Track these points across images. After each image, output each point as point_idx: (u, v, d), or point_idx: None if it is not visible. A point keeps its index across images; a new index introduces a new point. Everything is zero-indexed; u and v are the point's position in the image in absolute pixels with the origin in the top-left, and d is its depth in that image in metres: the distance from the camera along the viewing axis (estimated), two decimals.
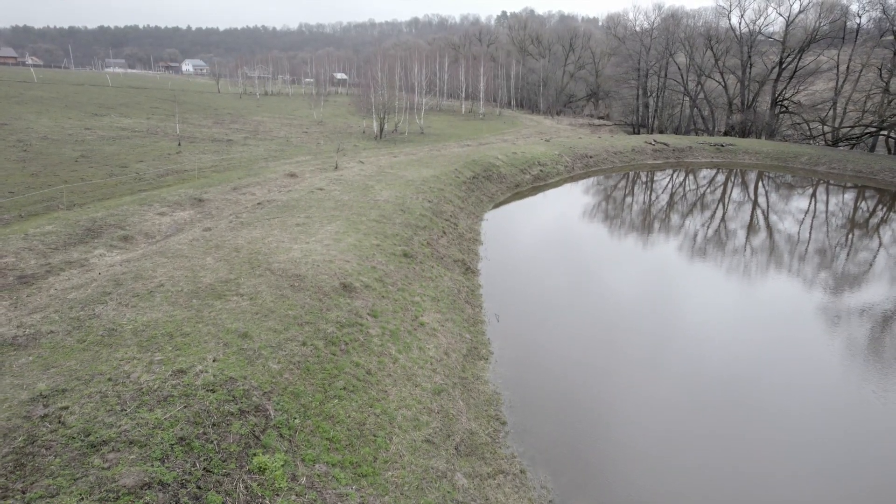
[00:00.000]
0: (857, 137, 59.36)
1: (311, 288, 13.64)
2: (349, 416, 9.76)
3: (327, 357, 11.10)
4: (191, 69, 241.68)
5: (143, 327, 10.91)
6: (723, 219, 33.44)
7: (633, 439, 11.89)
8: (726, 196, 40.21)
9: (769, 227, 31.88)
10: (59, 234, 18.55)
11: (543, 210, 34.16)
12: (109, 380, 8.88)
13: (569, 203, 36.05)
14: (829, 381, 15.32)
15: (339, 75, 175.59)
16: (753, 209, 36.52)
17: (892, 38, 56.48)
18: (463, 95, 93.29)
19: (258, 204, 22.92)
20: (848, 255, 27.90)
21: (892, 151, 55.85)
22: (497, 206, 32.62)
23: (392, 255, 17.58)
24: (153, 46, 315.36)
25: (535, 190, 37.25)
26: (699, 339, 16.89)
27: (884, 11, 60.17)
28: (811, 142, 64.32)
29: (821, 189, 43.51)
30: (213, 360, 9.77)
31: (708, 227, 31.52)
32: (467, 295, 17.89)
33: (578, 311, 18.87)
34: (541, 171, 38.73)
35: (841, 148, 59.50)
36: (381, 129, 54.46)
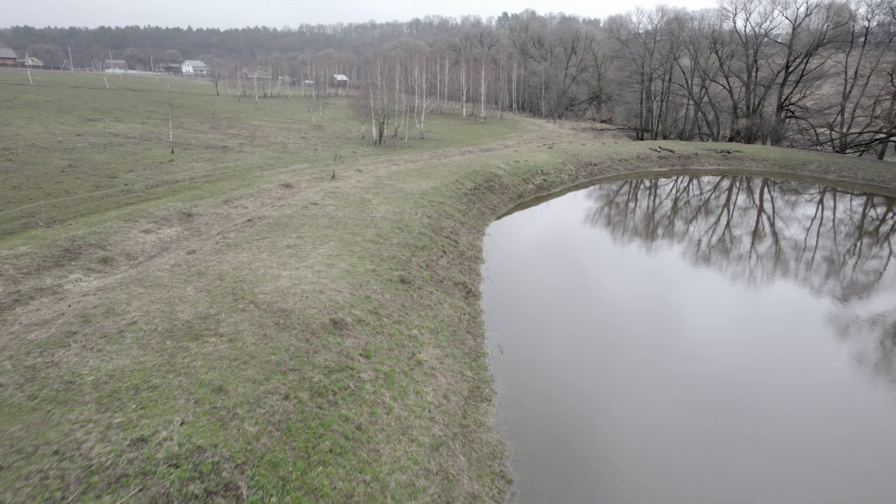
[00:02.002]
0: (867, 144, 58.15)
1: (298, 325, 12.47)
2: (335, 488, 8.59)
3: (312, 412, 9.92)
4: (191, 70, 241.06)
5: (106, 378, 9.75)
6: (738, 231, 32.23)
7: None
8: (739, 206, 38.96)
9: (788, 239, 30.62)
10: (34, 255, 17.41)
11: (547, 222, 32.99)
12: (56, 452, 7.72)
13: (574, 214, 34.87)
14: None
15: (340, 77, 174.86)
16: (773, 220, 35.25)
17: None
18: (464, 98, 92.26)
19: (248, 220, 21.77)
20: (864, 264, 26.76)
21: None
22: (499, 218, 31.47)
23: (388, 280, 16.41)
24: (154, 47, 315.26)
25: (538, 200, 36.08)
26: (724, 370, 15.69)
27: (893, 15, 59.03)
28: (819, 148, 63.10)
29: (833, 198, 42.32)
30: (181, 424, 8.60)
31: (724, 241, 30.25)
32: (468, 324, 16.72)
33: (589, 336, 17.70)
34: (544, 180, 37.57)
35: (849, 154, 58.30)
36: (381, 135, 53.34)
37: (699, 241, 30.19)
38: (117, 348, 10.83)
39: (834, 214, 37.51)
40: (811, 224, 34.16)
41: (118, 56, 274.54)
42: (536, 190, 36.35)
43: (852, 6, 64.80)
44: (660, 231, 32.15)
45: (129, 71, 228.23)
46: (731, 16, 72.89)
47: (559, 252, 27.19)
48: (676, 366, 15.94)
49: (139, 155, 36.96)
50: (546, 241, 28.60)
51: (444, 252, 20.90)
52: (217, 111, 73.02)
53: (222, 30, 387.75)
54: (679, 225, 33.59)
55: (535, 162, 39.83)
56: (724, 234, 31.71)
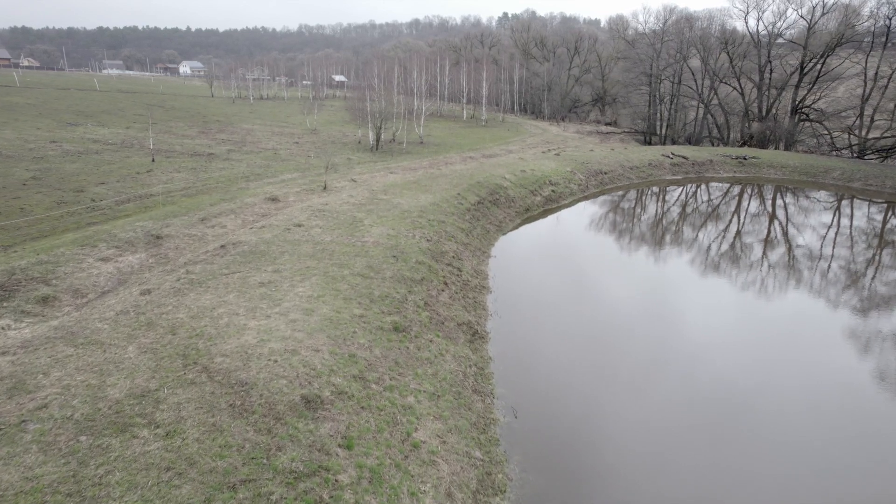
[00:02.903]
0: (889, 149, 55.39)
1: (260, 407, 9.71)
2: None
3: None
4: (188, 71, 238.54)
5: None
6: (786, 252, 29.41)
7: None
8: (775, 221, 36.04)
9: (839, 259, 27.88)
10: None
11: (558, 239, 30.23)
12: None
13: (587, 229, 32.11)
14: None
15: (338, 77, 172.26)
16: (811, 237, 32.48)
17: None
18: (465, 100, 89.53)
19: (222, 247, 19.01)
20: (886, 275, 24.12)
21: None
22: (506, 234, 28.73)
23: (379, 329, 13.65)
24: (152, 48, 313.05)
25: (546, 213, 33.33)
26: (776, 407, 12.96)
27: None
28: (836, 153, 60.37)
29: (869, 209, 39.57)
30: None
31: (770, 263, 27.11)
32: (475, 379, 13.97)
33: (616, 379, 14.96)
34: (553, 191, 34.81)
35: (870, 160, 55.56)
36: (378, 140, 50.59)
37: (735, 261, 27.42)
38: (8, 453, 8.08)
39: (847, 225, 34.76)
40: (872, 244, 31.44)
41: (116, 57, 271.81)
42: (545, 202, 33.60)
43: (872, 5, 62.07)
44: (685, 248, 29.37)
45: (126, 72, 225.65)
46: (744, 15, 70.20)
47: (573, 274, 24.46)
48: (741, 436, 13.17)
49: (115, 164, 34.21)
50: (558, 263, 25.86)
51: (446, 284, 18.15)
52: (209, 114, 70.31)
53: (221, 30, 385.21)
54: (707, 242, 30.80)
55: (543, 171, 37.06)
56: (768, 255, 28.88)
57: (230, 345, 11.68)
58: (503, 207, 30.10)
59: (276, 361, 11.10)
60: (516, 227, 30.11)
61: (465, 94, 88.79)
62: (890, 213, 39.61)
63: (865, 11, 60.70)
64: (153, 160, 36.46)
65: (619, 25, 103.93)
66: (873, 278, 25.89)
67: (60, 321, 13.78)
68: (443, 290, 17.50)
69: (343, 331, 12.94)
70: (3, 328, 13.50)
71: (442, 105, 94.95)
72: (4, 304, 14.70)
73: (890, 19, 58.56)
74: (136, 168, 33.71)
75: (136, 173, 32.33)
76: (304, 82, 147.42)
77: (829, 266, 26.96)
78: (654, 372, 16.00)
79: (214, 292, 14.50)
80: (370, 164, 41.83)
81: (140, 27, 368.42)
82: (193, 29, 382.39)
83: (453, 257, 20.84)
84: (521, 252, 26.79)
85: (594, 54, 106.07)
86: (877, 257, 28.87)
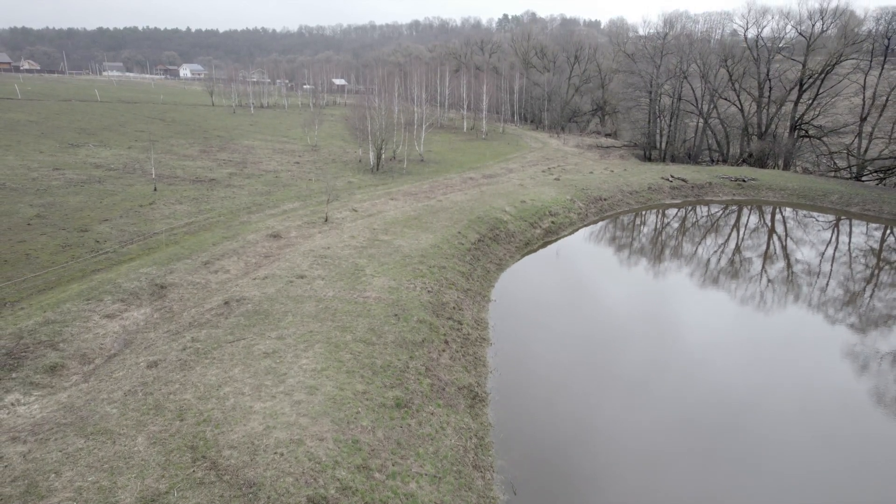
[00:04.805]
0: (888, 169, 55.69)
1: None
2: None
3: None
4: (188, 74, 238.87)
5: None
6: (787, 270, 29.79)
7: None
8: (781, 251, 36.27)
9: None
10: None
11: (558, 274, 30.49)
12: None
13: (586, 261, 32.40)
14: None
15: (339, 81, 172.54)
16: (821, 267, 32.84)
17: None
18: (465, 109, 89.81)
19: (225, 304, 19.29)
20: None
21: None
22: (506, 270, 29.01)
23: (382, 406, 13.95)
24: (152, 48, 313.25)
25: (546, 244, 33.62)
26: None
27: None
28: (836, 173, 60.67)
29: (874, 235, 39.91)
30: None
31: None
32: (475, 453, 14.27)
33: (624, 441, 15.23)
34: (552, 222, 35.09)
35: (870, 183, 55.83)
36: (378, 160, 50.82)
37: (753, 291, 27.74)
38: None
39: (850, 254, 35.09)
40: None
41: (116, 58, 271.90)
42: (545, 234, 33.89)
43: (871, 23, 62.32)
44: (688, 280, 29.65)
45: (126, 74, 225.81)
46: (743, 31, 70.38)
47: (571, 314, 24.70)
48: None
49: (118, 195, 34.46)
50: (557, 301, 26.13)
51: (447, 342, 18.44)
52: (209, 128, 70.50)
53: (221, 31, 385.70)
54: (712, 272, 31.10)
55: (543, 201, 37.35)
56: (781, 287, 29.15)
57: (237, 433, 11.98)
58: (503, 243, 30.39)
59: (282, 455, 11.40)
60: (516, 262, 30.37)
61: (465, 104, 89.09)
62: (888, 232, 40.02)
63: (864, 29, 60.93)
64: (155, 189, 36.70)
65: (619, 35, 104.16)
66: (871, 296, 28.21)
67: (69, 395, 14.08)
68: (443, 351, 17.79)
69: (346, 412, 13.24)
70: (13, 403, 13.79)
71: (442, 113, 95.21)
72: (13, 375, 14.98)
73: (888, 38, 58.81)
74: (139, 199, 33.96)
75: (139, 206, 32.58)
76: (305, 86, 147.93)
77: (826, 284, 29.59)
78: (660, 434, 16.22)
79: (220, 366, 14.79)
80: (371, 189, 42.10)
81: (140, 28, 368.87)
82: (193, 30, 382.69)
83: (454, 308, 21.13)
84: (521, 292, 27.04)
85: (594, 63, 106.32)
86: (861, 274, 30.49)
